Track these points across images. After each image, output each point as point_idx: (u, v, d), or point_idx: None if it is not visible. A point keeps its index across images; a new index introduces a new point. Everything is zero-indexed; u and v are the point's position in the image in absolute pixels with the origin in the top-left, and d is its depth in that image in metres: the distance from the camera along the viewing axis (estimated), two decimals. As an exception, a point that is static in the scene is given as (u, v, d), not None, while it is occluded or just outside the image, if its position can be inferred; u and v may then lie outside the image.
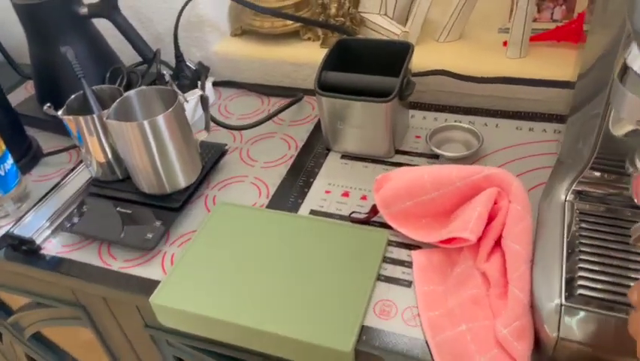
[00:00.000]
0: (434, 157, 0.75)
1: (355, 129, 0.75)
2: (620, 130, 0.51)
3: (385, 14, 0.91)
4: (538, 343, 0.48)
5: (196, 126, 0.79)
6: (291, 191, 0.73)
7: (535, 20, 0.85)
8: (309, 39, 0.95)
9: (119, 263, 0.67)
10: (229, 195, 0.74)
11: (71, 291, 0.75)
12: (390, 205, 0.64)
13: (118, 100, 0.66)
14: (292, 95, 0.91)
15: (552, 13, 0.87)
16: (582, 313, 0.45)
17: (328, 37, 0.93)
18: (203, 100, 0.70)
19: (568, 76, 0.75)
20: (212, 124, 0.79)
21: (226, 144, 0.79)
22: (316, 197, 0.72)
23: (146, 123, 0.63)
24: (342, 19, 0.90)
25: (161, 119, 0.63)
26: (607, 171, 0.55)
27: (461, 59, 0.84)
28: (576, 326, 0.45)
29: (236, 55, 0.97)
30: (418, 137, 0.80)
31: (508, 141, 0.76)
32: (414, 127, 0.82)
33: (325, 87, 0.74)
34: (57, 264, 0.68)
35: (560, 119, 0.78)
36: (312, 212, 0.70)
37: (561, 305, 0.46)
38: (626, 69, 0.41)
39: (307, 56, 0.92)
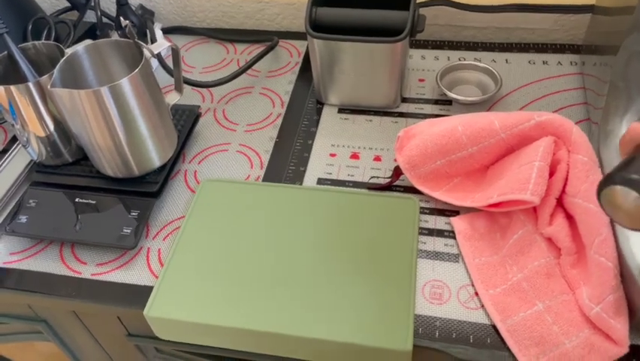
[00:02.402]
0: (447, 102, 0.65)
1: (357, 77, 0.63)
2: None
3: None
4: (632, 317, 0.42)
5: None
6: (288, 157, 0.61)
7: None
8: (274, -29, 0.80)
9: (90, 268, 0.53)
10: (213, 168, 0.61)
11: (27, 305, 0.60)
12: (418, 166, 0.54)
13: (62, 60, 0.50)
14: (263, 39, 0.77)
15: None
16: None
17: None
18: (175, 53, 0.55)
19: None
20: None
21: (199, 106, 0.65)
22: (321, 162, 0.60)
23: (105, 90, 0.48)
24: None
25: (125, 84, 0.48)
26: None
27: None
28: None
29: (186, -6, 0.80)
30: (421, 80, 0.69)
31: (523, 79, 0.67)
32: (414, 69, 0.71)
33: (317, 27, 0.61)
34: (4, 277, 0.53)
35: (574, 49, 0.70)
36: (320, 181, 0.58)
37: (667, 275, 0.39)
38: None
39: (275, -10, 0.78)
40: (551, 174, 0.49)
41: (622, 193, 0.33)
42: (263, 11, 0.80)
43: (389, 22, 0.59)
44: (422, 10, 0.72)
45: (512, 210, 0.50)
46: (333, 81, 0.64)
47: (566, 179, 0.48)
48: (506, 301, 0.45)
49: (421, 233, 0.53)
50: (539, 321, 0.43)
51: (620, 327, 0.41)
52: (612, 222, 0.44)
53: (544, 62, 0.69)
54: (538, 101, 0.64)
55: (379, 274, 0.49)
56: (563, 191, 0.48)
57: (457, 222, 0.52)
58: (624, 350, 0.40)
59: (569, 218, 0.48)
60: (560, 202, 0.48)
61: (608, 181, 0.33)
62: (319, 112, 0.67)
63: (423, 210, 0.55)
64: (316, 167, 0.60)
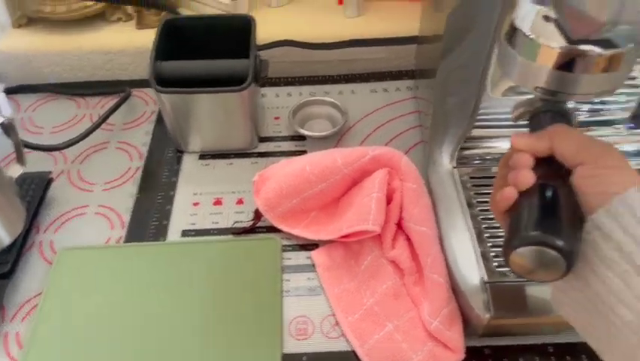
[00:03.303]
0: (302, 138, 0.69)
1: (210, 124, 0.64)
2: (498, 92, 0.50)
3: (206, -18, 0.80)
4: (466, 324, 0.48)
5: None
6: (150, 213, 0.61)
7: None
8: (119, 20, 0.80)
9: (-61, 367, 0.49)
10: (70, 235, 0.59)
11: None
12: (275, 206, 0.57)
13: None
14: (115, 90, 0.76)
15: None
16: (506, 288, 0.45)
17: (144, 16, 0.78)
18: (6, 127, 0.53)
19: (410, 30, 0.74)
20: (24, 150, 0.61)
21: (50, 172, 0.63)
22: (184, 213, 0.61)
23: None
24: (156, -8, 0.76)
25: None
26: (488, 127, 0.55)
27: (300, 25, 0.78)
28: (504, 301, 0.44)
29: (26, 50, 0.77)
30: (277, 118, 0.72)
31: (368, 107, 0.73)
32: (269, 107, 0.74)
33: (163, 81, 0.62)
34: None
35: (410, 74, 0.78)
36: (185, 233, 0.59)
37: (486, 283, 0.45)
38: (514, 30, 0.39)
39: (122, 40, 0.77)
40: (389, 201, 0.54)
41: (526, 254, 0.32)
42: (113, 61, 0.79)
43: (232, 71, 0.62)
44: (269, 51, 0.76)
45: (361, 238, 0.54)
46: (188, 130, 0.65)
47: (402, 205, 0.53)
48: (362, 326, 0.50)
49: (285, 271, 0.55)
50: (390, 341, 0.48)
51: (455, 336, 0.46)
52: (440, 242, 0.50)
53: (384, 90, 0.76)
54: (382, 127, 0.70)
55: (248, 319, 0.51)
56: (401, 216, 0.53)
57: (317, 255, 0.56)
58: (461, 356, 0.46)
59: (409, 240, 0.53)
60: (400, 227, 0.54)
61: (508, 250, 0.32)
62: (179, 160, 0.67)
63: (285, 248, 0.58)
64: (179, 219, 0.61)
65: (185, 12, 0.80)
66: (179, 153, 0.68)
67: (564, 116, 0.40)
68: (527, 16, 0.38)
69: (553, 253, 0.31)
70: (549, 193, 0.33)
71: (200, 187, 0.64)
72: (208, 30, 0.67)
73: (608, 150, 0.35)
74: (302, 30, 0.77)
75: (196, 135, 0.66)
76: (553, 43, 0.36)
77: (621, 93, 0.55)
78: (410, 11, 0.76)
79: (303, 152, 0.67)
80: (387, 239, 0.53)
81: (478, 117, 0.54)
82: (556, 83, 0.38)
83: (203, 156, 0.68)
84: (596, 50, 0.36)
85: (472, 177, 0.54)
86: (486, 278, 0.46)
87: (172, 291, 0.53)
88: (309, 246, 0.57)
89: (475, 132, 0.55)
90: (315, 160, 0.57)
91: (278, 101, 0.75)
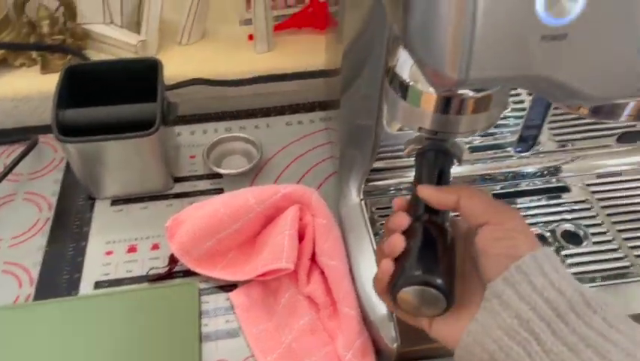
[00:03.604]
0: (217, 176, 0.69)
1: (121, 170, 0.63)
2: (394, 128, 0.53)
3: (112, 23, 0.79)
4: (379, 354, 0.49)
5: None
6: (61, 266, 0.59)
7: (272, 8, 0.84)
8: (22, 65, 0.77)
9: None
10: (-25, 297, 0.56)
11: None
12: (190, 251, 0.57)
13: None
14: (21, 138, 0.74)
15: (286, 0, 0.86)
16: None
17: (48, 60, 0.76)
18: None
19: (320, 63, 0.76)
20: None
21: (-52, 232, 0.60)
22: (96, 264, 0.59)
23: None
24: (60, 36, 0.75)
25: None
26: (394, 158, 0.57)
27: (211, 62, 0.79)
28: (411, 330, 0.46)
29: None
30: (192, 157, 0.72)
31: (283, 140, 0.75)
32: (185, 146, 0.74)
33: (68, 129, 0.61)
34: None
35: (322, 106, 0.80)
36: (98, 285, 0.58)
37: (393, 313, 0.47)
38: (395, 76, 0.41)
39: (27, 86, 0.75)
40: (302, 237, 0.55)
41: (410, 293, 0.34)
42: (18, 108, 0.76)
43: (140, 115, 0.61)
44: (183, 89, 0.76)
45: (279, 275, 0.55)
46: (98, 177, 0.64)
47: (314, 240, 0.54)
48: (282, 365, 0.50)
49: (203, 315, 0.55)
50: (309, 377, 0.49)
51: (369, 366, 0.48)
52: (351, 273, 0.52)
53: (299, 122, 0.78)
54: (298, 159, 0.72)
55: (164, 370, 0.50)
56: (314, 251, 0.55)
57: (235, 296, 0.56)
58: (375, 386, 0.48)
59: (324, 275, 0.54)
60: (315, 261, 0.55)
61: (394, 290, 0.35)
62: (91, 208, 0.66)
63: (204, 291, 0.57)
64: (92, 270, 0.59)
65: (92, 54, 0.79)
66: (91, 200, 0.66)
67: (447, 155, 0.43)
68: (405, 63, 0.40)
69: (434, 291, 0.33)
70: (429, 238, 0.36)
71: (113, 235, 0.62)
72: (114, 74, 0.66)
73: (513, 214, 0.36)
74: (213, 67, 0.78)
75: (107, 181, 0.65)
76: (430, 89, 0.39)
77: (509, 117, 0.59)
78: (319, 45, 0.79)
79: (220, 190, 0.68)
80: (302, 275, 0.54)
81: (383, 149, 0.57)
82: (436, 124, 0.41)
83: (115, 202, 0.66)
84: (469, 93, 0.39)
85: (378, 208, 0.56)
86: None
87: (86, 347, 0.51)
88: (227, 287, 0.57)
89: (381, 164, 0.58)
90: (228, 200, 0.57)
91: (193, 139, 0.75)
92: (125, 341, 0.52)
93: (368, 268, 0.51)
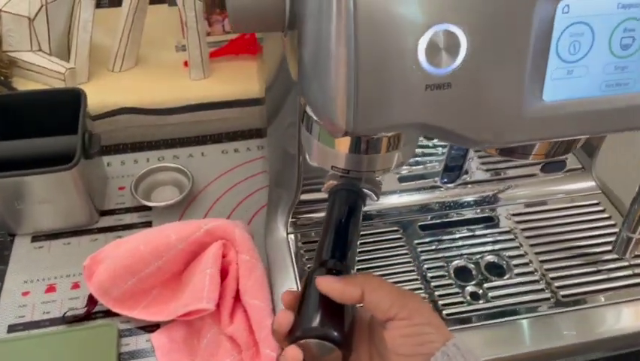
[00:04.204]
0: (146, 209, 0.67)
1: (41, 205, 0.61)
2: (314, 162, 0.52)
3: (40, 50, 0.76)
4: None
5: None
6: (-28, 310, 0.56)
7: (209, 34, 0.83)
8: (-58, 93, 0.73)
9: None
10: None
11: None
12: (109, 290, 0.55)
13: None
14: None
15: (223, 26, 0.86)
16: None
17: (-29, 88, 0.73)
18: None
19: (255, 90, 0.75)
20: None
21: None
22: (12, 306, 0.56)
23: None
24: (-19, 64, 0.72)
25: None
26: (320, 191, 0.56)
27: (144, 89, 0.77)
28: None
29: None
30: (121, 188, 0.70)
31: (218, 170, 0.73)
32: (114, 177, 0.72)
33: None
34: None
35: (259, 133, 0.79)
36: (11, 329, 0.54)
37: None
38: (305, 114, 0.41)
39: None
40: (226, 275, 0.53)
41: (310, 343, 0.34)
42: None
43: (60, 148, 0.59)
44: (114, 118, 0.73)
45: (201, 315, 0.53)
46: (17, 212, 0.61)
47: (238, 278, 0.53)
48: (200, 410, 0.48)
49: (122, 358, 0.53)
50: (228, 422, 0.47)
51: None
52: (274, 313, 0.50)
53: (235, 150, 0.76)
54: (232, 189, 0.70)
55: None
56: (239, 290, 0.53)
57: (156, 338, 0.54)
58: None
59: (248, 313, 0.53)
60: (239, 300, 0.53)
61: (292, 341, 0.34)
62: (10, 245, 0.62)
63: (124, 333, 0.55)
64: (7, 312, 0.56)
65: (20, 82, 0.76)
66: (11, 236, 0.63)
67: (359, 195, 0.42)
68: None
69: (329, 344, 0.32)
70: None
71: (31, 274, 0.59)
72: (38, 106, 0.64)
73: (420, 306, 0.35)
74: (147, 94, 0.76)
75: (27, 217, 0.62)
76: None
77: (437, 146, 0.59)
78: (254, 71, 0.78)
79: (149, 223, 0.66)
80: (225, 315, 0.52)
81: (311, 181, 0.56)
82: (348, 164, 0.40)
83: (37, 238, 0.63)
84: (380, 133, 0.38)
85: (305, 243, 0.55)
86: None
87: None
88: (150, 327, 0.55)
89: (308, 196, 0.57)
90: (149, 238, 0.55)
91: (123, 169, 0.73)
92: (33, 392, 0.49)
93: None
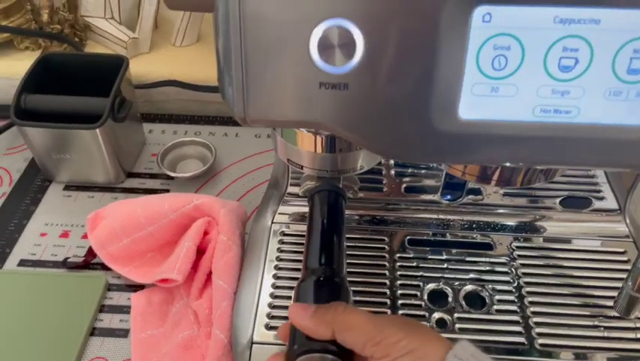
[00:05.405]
0: (169, 178, 0.70)
1: (72, 157, 0.66)
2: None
3: (112, 18, 0.83)
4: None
5: None
6: (-2, 240, 0.63)
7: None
8: (27, 48, 0.83)
9: None
10: None
11: None
12: (106, 245, 0.58)
13: None
14: (7, 115, 0.79)
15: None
16: (271, 349, 0.45)
17: (49, 47, 0.81)
18: None
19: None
20: None
21: None
22: (28, 243, 0.62)
23: None
24: (58, 26, 0.79)
25: None
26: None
27: (198, 65, 0.80)
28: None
29: None
30: (154, 155, 0.74)
31: (245, 152, 0.74)
32: (151, 143, 0.76)
33: (27, 113, 0.64)
34: None
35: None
36: (22, 263, 0.60)
37: (251, 343, 0.45)
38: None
39: (24, 68, 0.80)
40: (205, 251, 0.54)
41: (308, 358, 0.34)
42: (15, 87, 0.81)
43: (91, 108, 0.64)
44: (160, 88, 0.78)
45: (176, 284, 0.55)
46: (52, 161, 0.67)
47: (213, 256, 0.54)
48: (151, 376, 0.50)
49: (102, 310, 0.56)
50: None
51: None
52: (235, 297, 0.51)
53: (268, 136, 0.77)
54: (251, 173, 0.71)
55: (41, 356, 0.51)
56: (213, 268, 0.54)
57: (136, 298, 0.56)
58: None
59: (216, 292, 0.53)
60: (210, 278, 0.54)
61: (292, 356, 0.34)
62: (45, 190, 0.69)
63: (112, 287, 0.58)
64: (23, 248, 0.62)
65: (92, 45, 0.83)
66: (48, 182, 0.70)
67: (339, 194, 0.41)
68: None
69: (330, 356, 0.33)
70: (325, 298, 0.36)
71: (53, 218, 0.65)
72: (83, 68, 0.69)
73: (398, 337, 0.32)
74: (200, 71, 0.79)
75: (60, 167, 0.68)
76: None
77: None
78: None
79: (167, 191, 0.69)
80: (194, 289, 0.53)
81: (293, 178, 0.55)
82: (319, 163, 0.40)
83: (68, 187, 0.69)
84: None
85: (287, 235, 0.55)
86: (255, 338, 0.46)
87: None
88: (136, 287, 0.58)
89: (296, 190, 0.56)
90: (147, 204, 0.58)
91: (161, 137, 0.77)
92: (15, 321, 0.54)
93: (250, 292, 0.49)
